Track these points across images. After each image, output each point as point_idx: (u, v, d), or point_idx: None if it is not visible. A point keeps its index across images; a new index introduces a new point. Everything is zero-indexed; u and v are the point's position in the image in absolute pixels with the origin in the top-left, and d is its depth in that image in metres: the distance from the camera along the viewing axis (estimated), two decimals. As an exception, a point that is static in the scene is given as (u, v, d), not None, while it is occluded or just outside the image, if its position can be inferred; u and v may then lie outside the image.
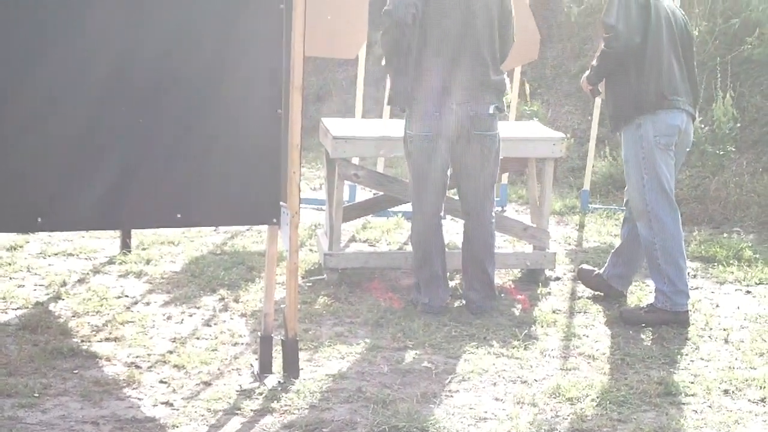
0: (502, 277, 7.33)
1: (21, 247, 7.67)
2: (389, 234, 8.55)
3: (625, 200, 6.96)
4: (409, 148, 6.43)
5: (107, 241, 7.90)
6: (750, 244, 8.45)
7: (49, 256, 7.53)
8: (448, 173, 6.54)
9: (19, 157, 5.00)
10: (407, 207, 8.11)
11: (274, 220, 5.43)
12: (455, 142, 6.33)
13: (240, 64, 5.27)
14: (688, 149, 6.84)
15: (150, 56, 5.14)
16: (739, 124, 9.92)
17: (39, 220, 5.13)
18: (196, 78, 5.22)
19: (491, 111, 6.35)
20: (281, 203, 5.39)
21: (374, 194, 8.71)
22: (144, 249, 7.74)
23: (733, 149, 9.84)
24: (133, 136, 5.17)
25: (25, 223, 5.28)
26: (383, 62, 6.56)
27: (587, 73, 6.76)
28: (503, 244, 8.05)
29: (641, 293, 7.02)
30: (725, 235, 8.86)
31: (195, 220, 5.60)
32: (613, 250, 7.07)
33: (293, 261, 5.37)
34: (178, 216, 5.33)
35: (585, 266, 7.26)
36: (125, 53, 5.12)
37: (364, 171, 7.32)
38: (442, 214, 6.62)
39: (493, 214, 6.66)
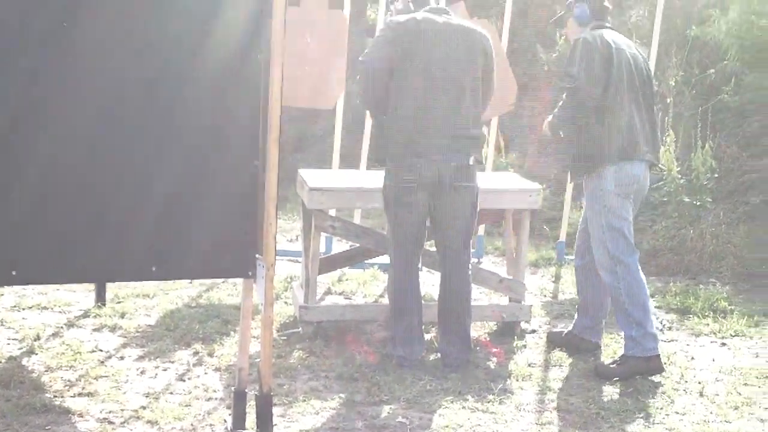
0: (478, 330, 7.31)
1: (-6, 299, 7.63)
2: (365, 286, 8.52)
3: (576, 246, 6.99)
4: (387, 199, 6.41)
5: (82, 294, 7.84)
6: (726, 296, 8.45)
7: (23, 309, 7.46)
8: (426, 224, 6.52)
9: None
10: (383, 259, 8.11)
11: (250, 273, 5.39)
12: (434, 193, 6.32)
13: (217, 114, 5.24)
14: (644, 194, 6.89)
15: (125, 107, 5.12)
16: (716, 175, 9.94)
17: (13, 273, 5.08)
18: (173, 128, 5.19)
19: (471, 162, 6.35)
20: (257, 256, 5.36)
21: (351, 246, 8.69)
22: (119, 302, 7.68)
23: (710, 200, 9.86)
24: (108, 188, 5.14)
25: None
26: (358, 100, 6.56)
27: (549, 118, 6.80)
28: (479, 295, 8.03)
29: (616, 345, 6.99)
30: (701, 286, 8.86)
31: (170, 273, 5.55)
32: (577, 306, 7.08)
33: (268, 314, 5.32)
34: (154, 269, 5.29)
35: (553, 330, 7.31)
36: (99, 105, 5.10)
37: (341, 222, 7.30)
38: (419, 266, 6.59)
39: (470, 266, 6.64)
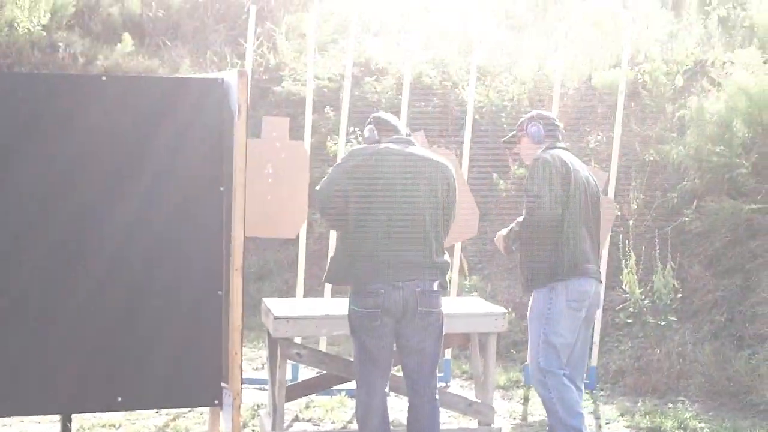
0: (448, 454, 7.28)
1: (-43, 434, 7.54)
2: (333, 412, 8.47)
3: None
4: (353, 325, 6.40)
5: (47, 425, 7.75)
6: (695, 413, 8.46)
7: (-13, 443, 7.40)
8: (393, 349, 6.52)
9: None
10: (350, 385, 8.08)
11: (216, 402, 5.40)
12: (400, 319, 6.33)
13: (180, 245, 5.30)
14: (598, 309, 7.04)
15: (90, 238, 5.16)
16: (680, 295, 10.01)
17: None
18: (137, 260, 5.24)
19: (435, 288, 6.38)
20: (223, 384, 5.35)
21: (317, 373, 8.67)
22: (84, 433, 7.62)
23: (675, 319, 9.91)
24: (73, 319, 5.16)
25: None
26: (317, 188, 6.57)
27: (505, 230, 6.92)
28: (447, 419, 8.01)
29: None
30: (670, 405, 8.86)
31: (136, 404, 5.56)
32: (547, 429, 7.10)
33: (235, 443, 5.31)
34: (119, 399, 5.30)
35: None
36: (61, 240, 5.13)
37: (307, 350, 7.29)
38: (386, 391, 6.57)
39: (437, 390, 6.63)
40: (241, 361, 5.30)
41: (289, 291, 12.06)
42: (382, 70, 14.41)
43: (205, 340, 5.35)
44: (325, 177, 6.47)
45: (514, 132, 7.15)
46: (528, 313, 6.89)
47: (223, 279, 5.35)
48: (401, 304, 6.27)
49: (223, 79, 5.36)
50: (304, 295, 9.52)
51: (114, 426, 7.83)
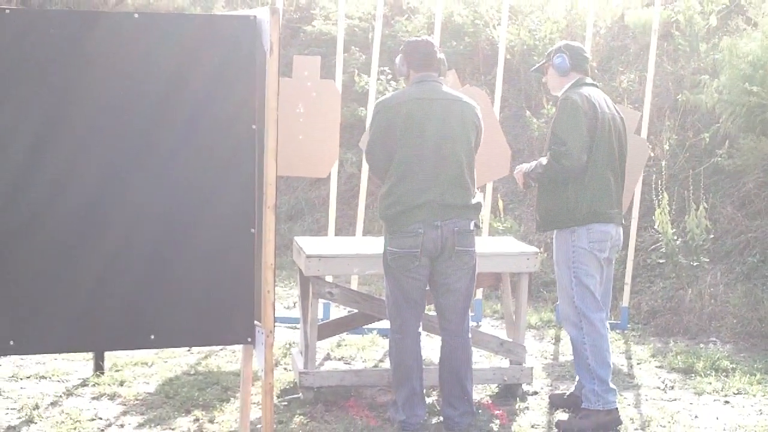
0: (479, 393, 7.28)
1: (-7, 370, 7.61)
2: (364, 351, 8.49)
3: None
4: (389, 264, 6.41)
5: (80, 363, 7.82)
6: (727, 354, 8.44)
7: (21, 379, 7.44)
8: (426, 288, 6.53)
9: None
10: (382, 324, 8.11)
11: (249, 340, 5.40)
12: (436, 258, 6.34)
13: (213, 184, 5.28)
14: (618, 250, 6.95)
15: (121, 176, 5.15)
16: (712, 236, 9.96)
17: (11, 343, 5.10)
18: (169, 198, 5.22)
19: (471, 227, 6.38)
20: (255, 322, 5.36)
21: (348, 311, 8.70)
22: (117, 371, 7.66)
23: (707, 260, 9.86)
24: (106, 256, 5.17)
25: (-4, 347, 5.24)
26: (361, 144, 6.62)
27: (527, 167, 6.84)
28: (479, 359, 8.02)
29: (618, 406, 6.96)
30: (701, 345, 8.84)
31: (169, 341, 5.57)
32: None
33: (268, 381, 5.32)
34: (152, 337, 5.30)
35: (555, 392, 7.32)
36: (96, 177, 5.12)
37: (339, 289, 7.30)
38: (419, 330, 6.59)
39: (470, 329, 6.64)
40: (274, 299, 5.29)
41: (319, 230, 12.09)
42: (413, 10, 14.31)
43: (238, 278, 5.34)
44: (367, 138, 6.49)
45: (543, 61, 7.07)
46: (554, 257, 6.85)
47: (255, 217, 5.33)
48: (439, 244, 6.29)
49: (255, 16, 5.31)
50: (335, 235, 9.52)
51: (146, 364, 7.88)
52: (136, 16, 5.23)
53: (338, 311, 9.37)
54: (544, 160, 6.65)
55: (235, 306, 5.35)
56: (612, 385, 6.63)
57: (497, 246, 7.59)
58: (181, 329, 5.35)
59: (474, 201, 6.44)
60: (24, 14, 5.30)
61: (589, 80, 6.83)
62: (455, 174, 6.35)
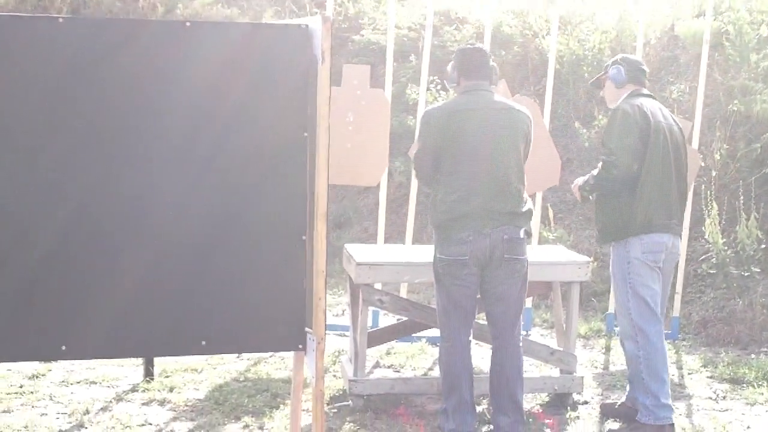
0: (530, 402, 7.26)
1: (43, 375, 7.66)
2: (414, 359, 8.49)
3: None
4: (439, 272, 6.40)
5: (130, 368, 7.87)
6: (778, 365, 8.37)
7: (72, 384, 7.50)
8: (477, 297, 6.52)
9: (44, 284, 5.03)
10: (431, 332, 8.11)
11: (300, 347, 5.42)
12: (486, 267, 6.32)
13: (265, 191, 5.30)
14: (676, 262, 6.93)
15: (178, 185, 5.19)
16: (763, 246, 9.88)
17: (63, 348, 5.15)
18: (222, 205, 5.25)
19: (522, 235, 6.36)
20: (306, 329, 5.37)
21: (397, 319, 8.70)
22: (167, 376, 7.70)
23: (758, 270, 9.79)
24: (158, 263, 5.21)
25: (49, 352, 5.29)
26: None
27: (582, 180, 6.83)
28: (529, 368, 7.99)
29: (670, 417, 6.93)
30: (752, 356, 8.78)
31: (220, 347, 5.59)
32: (627, 377, 7.03)
33: (319, 387, 5.33)
34: (203, 343, 5.33)
35: (606, 401, 7.28)
36: (148, 183, 5.17)
37: (389, 297, 7.31)
38: (470, 338, 6.57)
39: (521, 338, 6.62)
40: (325, 306, 5.31)
41: (368, 239, 12.08)
42: (462, 20, 14.30)
43: (289, 284, 5.36)
44: (417, 146, 6.49)
45: (600, 73, 7.03)
46: (611, 271, 6.82)
47: (306, 224, 5.35)
48: (488, 252, 6.27)
49: (306, 24, 5.33)
50: (385, 243, 9.53)
51: (196, 370, 7.92)
52: (188, 24, 5.26)
53: (387, 319, 9.38)
54: (596, 171, 6.63)
55: (286, 313, 5.37)
56: (666, 401, 6.55)
57: (548, 255, 7.57)
58: (232, 335, 5.37)
59: (524, 208, 6.43)
60: (77, 22, 5.33)
61: (645, 91, 6.79)
62: (504, 182, 6.33)
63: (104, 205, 5.11)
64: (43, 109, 5.00)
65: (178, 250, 5.23)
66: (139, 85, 5.14)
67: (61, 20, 5.02)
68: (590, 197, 6.82)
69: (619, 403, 7.07)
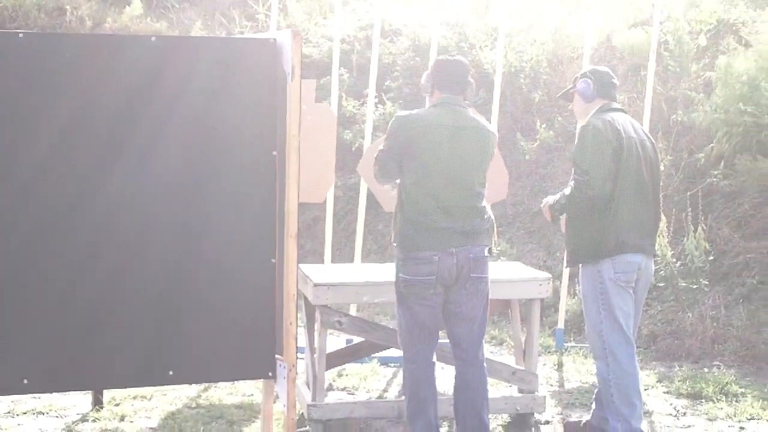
0: (491, 423, 7.10)
1: (-13, 406, 7.38)
2: (366, 381, 8.31)
3: None
4: (403, 292, 6.23)
5: (77, 396, 7.59)
6: (734, 378, 8.30)
7: (18, 415, 7.21)
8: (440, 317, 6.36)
9: (3, 315, 4.81)
10: (383, 353, 7.94)
11: (270, 374, 5.24)
12: (451, 286, 6.17)
13: (234, 212, 5.13)
14: (649, 284, 6.77)
15: (139, 204, 4.99)
16: (711, 257, 9.85)
17: (25, 381, 4.93)
18: (189, 227, 5.08)
19: (486, 253, 6.23)
20: (277, 356, 5.19)
21: (347, 341, 8.53)
22: (117, 404, 7.44)
23: (706, 282, 9.75)
24: (122, 290, 5.01)
25: (9, 385, 5.04)
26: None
27: (552, 199, 6.65)
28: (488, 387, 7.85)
29: None
30: (706, 369, 8.72)
31: (187, 377, 5.40)
32: (594, 396, 6.91)
33: (291, 417, 5.17)
34: (170, 373, 5.15)
35: (570, 420, 7.11)
36: (112, 204, 4.97)
37: (348, 318, 7.12)
38: (434, 360, 6.41)
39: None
40: (296, 331, 5.13)
41: (306, 255, 11.88)
42: (396, 32, 14.18)
43: (259, 310, 5.19)
44: (381, 148, 6.30)
45: (569, 87, 6.87)
46: (581, 290, 6.66)
47: (276, 246, 5.17)
48: (455, 271, 6.12)
49: (275, 39, 5.15)
50: (332, 261, 9.35)
51: (145, 397, 7.67)
52: (153, 39, 5.06)
53: (334, 339, 9.17)
54: (567, 191, 6.47)
55: (256, 339, 5.21)
56: (638, 425, 6.39)
57: (508, 272, 7.43)
58: (200, 364, 5.20)
59: (486, 224, 6.29)
60: (38, 38, 5.12)
61: (615, 105, 6.62)
62: (470, 200, 6.21)
63: (65, 232, 4.90)
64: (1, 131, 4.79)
65: (142, 276, 5.03)
66: (101, 102, 4.95)
67: (21, 35, 4.80)
68: (560, 217, 6.65)
69: (584, 421, 6.93)
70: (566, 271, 9.55)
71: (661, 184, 6.71)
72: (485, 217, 6.28)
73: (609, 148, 6.28)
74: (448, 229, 6.12)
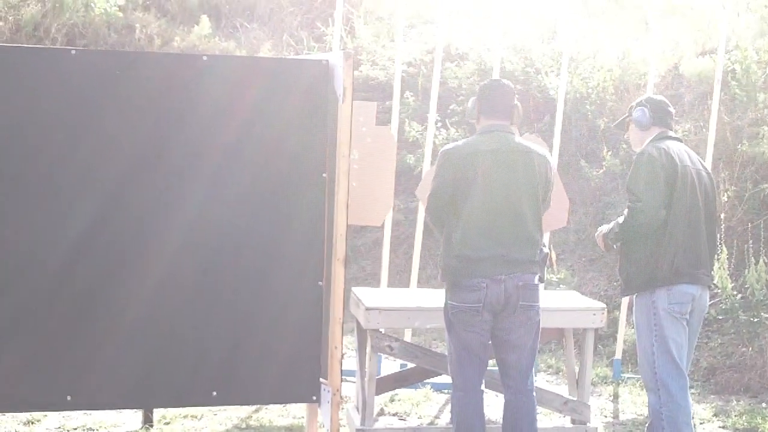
0: (543, 453, 7.03)
1: (39, 421, 7.38)
2: (419, 407, 8.25)
3: None
4: (452, 320, 6.18)
5: (128, 414, 7.60)
6: (792, 415, 8.16)
7: (69, 431, 7.23)
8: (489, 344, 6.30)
9: (49, 333, 4.83)
10: (436, 378, 7.87)
11: (314, 398, 5.20)
12: (499, 314, 6.10)
13: (281, 234, 5.13)
14: (704, 315, 6.64)
15: (191, 225, 4.99)
16: (773, 290, 9.69)
17: (69, 398, 4.94)
18: (236, 248, 5.07)
19: (536, 281, 6.16)
20: (321, 380, 5.16)
21: (401, 365, 8.47)
22: (166, 423, 7.43)
23: (767, 316, 9.58)
24: (169, 311, 5.02)
25: (54, 402, 5.05)
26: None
27: (606, 228, 6.58)
28: (539, 417, 7.74)
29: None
30: (764, 404, 8.56)
31: (231, 399, 5.38)
32: (645, 428, 6.79)
33: (334, 441, 5.11)
34: (214, 394, 5.14)
35: None
36: (161, 227, 4.97)
37: (399, 343, 7.07)
38: (482, 387, 6.34)
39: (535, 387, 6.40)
40: (342, 355, 5.08)
41: (365, 278, 11.87)
42: (463, 56, 14.13)
43: (304, 333, 5.18)
44: (432, 185, 6.26)
45: (625, 116, 6.80)
46: (634, 320, 6.57)
47: (323, 269, 5.14)
48: (503, 298, 6.05)
49: (327, 60, 5.14)
50: (388, 285, 9.30)
51: (195, 417, 7.65)
52: (205, 58, 5.07)
53: (388, 363, 9.13)
54: (621, 219, 6.40)
55: (300, 362, 5.19)
56: None
57: (561, 300, 7.35)
58: (244, 386, 5.18)
59: (537, 252, 6.22)
60: (90, 55, 5.14)
61: (672, 134, 6.55)
62: (520, 227, 6.13)
63: (115, 257, 4.91)
64: (51, 144, 4.81)
65: (190, 297, 5.03)
66: (152, 120, 4.95)
67: (73, 52, 4.82)
68: (614, 246, 6.57)
69: (636, 453, 6.84)
70: (625, 301, 9.43)
71: (717, 215, 6.60)
72: (536, 244, 6.20)
73: (663, 175, 6.21)
74: (496, 257, 6.05)
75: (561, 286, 10.42)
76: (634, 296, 6.50)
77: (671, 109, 6.64)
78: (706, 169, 6.57)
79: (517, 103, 6.33)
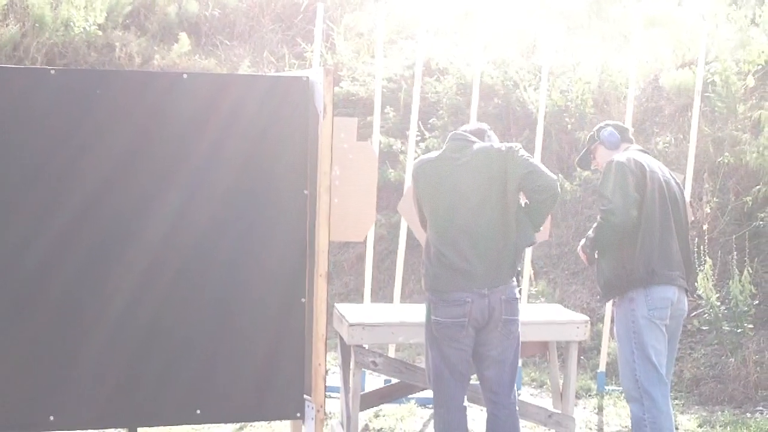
0: (527, 466, 7.04)
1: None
2: (404, 422, 8.25)
3: None
4: (434, 335, 6.16)
5: (111, 433, 7.58)
6: (776, 425, 8.18)
7: (52, 452, 7.19)
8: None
9: (32, 352, 4.81)
10: (420, 393, 7.87)
11: (298, 415, 5.19)
12: (482, 328, 6.10)
13: (263, 250, 5.12)
14: (683, 320, 6.70)
15: (170, 243, 4.98)
16: (756, 301, 9.71)
17: (51, 418, 4.92)
18: (217, 266, 5.07)
19: (517, 295, 6.16)
20: (305, 396, 5.15)
21: (385, 381, 8.46)
22: (151, 442, 7.40)
23: (751, 326, 9.60)
24: (151, 329, 5.00)
25: (37, 422, 5.03)
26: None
27: (583, 241, 6.62)
28: (523, 431, 7.76)
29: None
30: (749, 414, 8.58)
31: (215, 417, 5.36)
32: None
33: (319, 458, 5.10)
34: (198, 412, 5.11)
35: None
36: (139, 250, 4.96)
37: (383, 358, 7.06)
38: (465, 403, 6.34)
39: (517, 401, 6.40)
40: (326, 371, 5.08)
41: (349, 294, 11.86)
42: (443, 70, 14.14)
43: (288, 349, 5.16)
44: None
45: (585, 148, 6.88)
46: (615, 328, 6.60)
47: (306, 286, 5.14)
48: (487, 313, 6.04)
49: (307, 77, 5.14)
50: (371, 300, 9.30)
51: (179, 435, 7.64)
52: (185, 76, 5.06)
53: (373, 379, 9.11)
54: (596, 225, 6.45)
55: (284, 379, 5.18)
56: None
57: (545, 314, 7.36)
58: (228, 403, 5.17)
59: (517, 264, 6.22)
60: (70, 74, 5.13)
61: (637, 146, 6.70)
62: (494, 235, 6.07)
63: (93, 269, 4.89)
64: (31, 160, 4.80)
65: (171, 315, 5.01)
66: (130, 139, 4.94)
67: (53, 72, 4.82)
68: (595, 254, 6.59)
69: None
70: (608, 314, 9.45)
71: (688, 224, 6.66)
72: (518, 258, 6.19)
73: (632, 178, 6.31)
74: (476, 269, 6.03)
75: (541, 299, 10.43)
76: (614, 306, 6.53)
77: (627, 126, 6.80)
78: (674, 179, 6.66)
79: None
